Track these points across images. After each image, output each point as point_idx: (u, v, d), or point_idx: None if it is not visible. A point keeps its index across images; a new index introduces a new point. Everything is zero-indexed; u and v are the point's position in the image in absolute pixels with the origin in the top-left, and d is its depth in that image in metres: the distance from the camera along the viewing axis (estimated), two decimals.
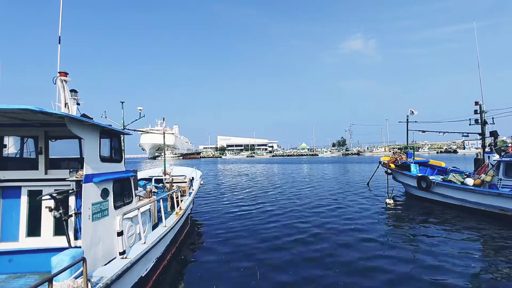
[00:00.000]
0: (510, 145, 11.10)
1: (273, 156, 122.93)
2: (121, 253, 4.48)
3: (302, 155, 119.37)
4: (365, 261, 6.46)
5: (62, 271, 3.11)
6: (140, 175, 11.11)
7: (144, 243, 5.13)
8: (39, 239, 4.69)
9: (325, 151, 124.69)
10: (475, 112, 12.59)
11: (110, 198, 4.60)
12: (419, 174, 13.58)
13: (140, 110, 12.62)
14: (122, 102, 12.84)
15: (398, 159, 15.84)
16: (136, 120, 13.00)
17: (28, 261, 4.50)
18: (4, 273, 4.43)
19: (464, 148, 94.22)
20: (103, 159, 4.61)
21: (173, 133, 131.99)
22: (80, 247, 3.86)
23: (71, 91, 5.12)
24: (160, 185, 10.43)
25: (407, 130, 16.57)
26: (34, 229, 4.72)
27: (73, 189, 4.55)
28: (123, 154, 5.54)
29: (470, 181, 10.97)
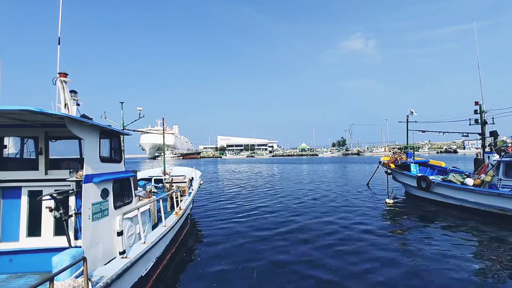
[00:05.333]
0: (510, 145, 11.10)
1: (273, 156, 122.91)
2: (121, 253, 4.49)
3: (302, 155, 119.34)
4: (364, 260, 6.47)
5: (63, 270, 3.13)
6: (139, 175, 11.12)
7: (144, 242, 5.14)
8: (40, 239, 4.70)
9: (325, 151, 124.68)
10: (475, 112, 12.59)
11: (110, 198, 4.62)
12: (419, 174, 13.58)
13: (140, 110, 12.60)
14: (122, 103, 12.83)
15: (398, 159, 15.83)
16: (135, 120, 12.98)
17: (29, 261, 4.51)
18: (5, 273, 4.44)
19: (464, 148, 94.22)
20: (103, 160, 4.62)
21: (173, 133, 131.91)
22: (80, 247, 3.88)
23: (71, 91, 5.13)
24: (160, 185, 10.43)
25: (407, 130, 16.57)
26: (34, 229, 4.73)
27: (73, 189, 4.56)
28: (122, 154, 5.55)
29: (470, 181, 10.97)
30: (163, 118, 16.29)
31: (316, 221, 10.06)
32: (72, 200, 4.62)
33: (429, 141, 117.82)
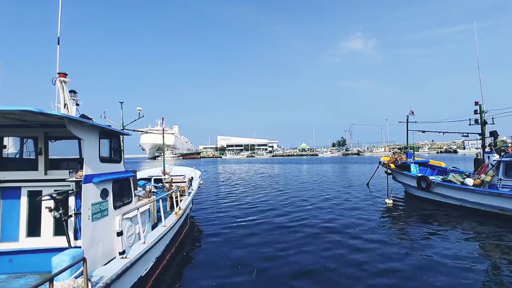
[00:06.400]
0: (510, 145, 11.09)
1: (273, 156, 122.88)
2: (120, 253, 4.49)
3: (302, 155, 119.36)
4: (363, 261, 6.47)
5: (63, 271, 3.13)
6: (139, 175, 11.12)
7: (144, 243, 5.14)
8: (39, 239, 4.69)
9: (325, 151, 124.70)
10: (475, 112, 12.59)
11: (110, 198, 4.61)
12: (419, 174, 13.57)
13: (139, 110, 12.61)
14: (122, 103, 12.83)
15: (398, 159, 15.83)
16: (135, 120, 13.00)
17: (28, 261, 4.51)
18: (5, 273, 4.44)
19: (464, 148, 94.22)
20: (103, 160, 4.62)
21: (173, 133, 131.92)
22: (80, 247, 3.88)
23: (71, 91, 5.13)
24: (160, 185, 10.43)
25: (407, 130, 16.57)
26: (34, 229, 4.73)
27: (72, 189, 4.56)
28: (122, 155, 5.55)
29: (470, 181, 10.97)
30: (162, 118, 16.30)
31: (316, 221, 10.05)
32: (71, 200, 4.62)
33: (433, 141, 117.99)
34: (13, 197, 4.72)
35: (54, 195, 4.23)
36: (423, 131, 15.91)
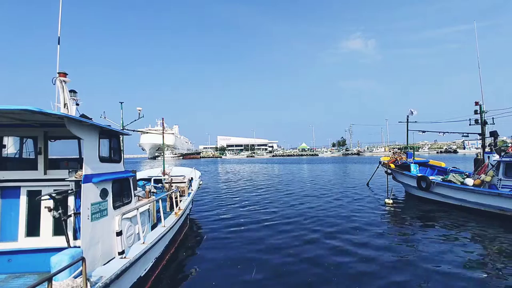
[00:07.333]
0: (510, 145, 11.09)
1: (273, 156, 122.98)
2: (120, 253, 4.49)
3: (302, 155, 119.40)
4: (363, 260, 6.46)
5: (61, 270, 3.12)
6: (139, 175, 11.11)
7: (143, 243, 5.14)
8: (38, 239, 4.69)
9: (325, 151, 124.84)
10: (475, 112, 12.60)
11: (109, 198, 4.61)
12: (419, 174, 13.57)
13: (139, 110, 12.59)
14: (121, 103, 12.82)
15: (398, 159, 15.83)
16: (135, 120, 12.97)
17: (27, 261, 4.51)
18: (4, 273, 4.44)
19: (464, 148, 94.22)
20: (102, 159, 4.61)
21: (173, 133, 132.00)
22: (79, 247, 3.87)
23: (70, 91, 5.13)
24: (159, 185, 10.43)
25: (407, 130, 16.56)
26: (33, 229, 4.73)
27: (72, 189, 4.56)
28: (122, 154, 5.55)
29: (470, 181, 10.96)
30: (162, 118, 16.28)
31: (316, 221, 10.05)
32: (71, 200, 4.62)
33: (435, 141, 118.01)
34: (12, 197, 4.72)
35: (54, 194, 4.23)
36: (423, 131, 15.89)
